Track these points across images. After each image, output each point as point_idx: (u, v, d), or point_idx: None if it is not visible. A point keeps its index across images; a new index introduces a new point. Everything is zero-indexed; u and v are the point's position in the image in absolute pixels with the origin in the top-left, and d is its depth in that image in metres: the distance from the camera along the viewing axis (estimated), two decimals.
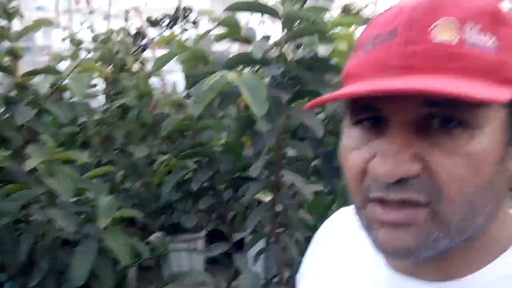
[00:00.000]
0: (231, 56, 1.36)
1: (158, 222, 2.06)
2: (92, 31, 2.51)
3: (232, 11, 1.34)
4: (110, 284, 1.25)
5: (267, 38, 1.44)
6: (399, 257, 0.39)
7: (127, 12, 4.76)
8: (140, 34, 3.26)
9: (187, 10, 3.50)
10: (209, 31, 1.48)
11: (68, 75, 1.54)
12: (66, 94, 1.84)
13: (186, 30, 3.50)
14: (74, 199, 1.37)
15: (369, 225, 0.40)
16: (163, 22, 3.66)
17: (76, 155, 1.35)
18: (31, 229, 1.38)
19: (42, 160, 1.25)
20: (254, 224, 1.17)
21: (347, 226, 0.52)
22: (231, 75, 1.11)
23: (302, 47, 1.34)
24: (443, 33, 0.36)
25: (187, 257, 2.13)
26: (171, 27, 3.70)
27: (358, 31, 1.44)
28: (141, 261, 1.56)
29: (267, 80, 1.28)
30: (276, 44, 1.30)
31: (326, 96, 0.38)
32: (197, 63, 1.48)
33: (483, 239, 0.41)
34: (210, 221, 2.11)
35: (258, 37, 1.40)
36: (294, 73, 1.28)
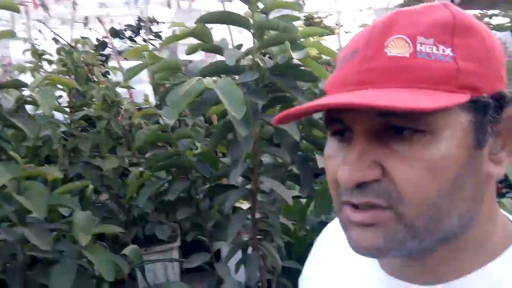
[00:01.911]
0: (204, 65, 1.35)
1: (130, 234, 2.01)
2: (56, 42, 2.43)
3: (203, 22, 1.34)
4: None
5: (239, 46, 1.45)
6: (370, 255, 0.41)
7: (86, 18, 4.64)
8: (103, 44, 3.18)
9: (151, 21, 3.46)
10: (177, 39, 1.47)
11: (34, 88, 1.48)
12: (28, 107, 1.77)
13: (146, 41, 3.45)
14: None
15: (345, 227, 0.42)
16: (126, 32, 3.60)
17: (49, 170, 1.30)
18: (0, 249, 1.32)
19: (12, 177, 1.20)
20: (235, 233, 1.17)
21: None
22: (206, 81, 1.12)
23: (274, 54, 1.36)
24: (397, 48, 0.38)
25: (162, 268, 2.10)
26: (133, 38, 3.65)
27: (326, 41, 1.48)
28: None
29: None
30: (248, 52, 1.31)
31: (289, 110, 0.40)
32: (169, 74, 1.47)
33: (468, 242, 0.42)
34: (185, 231, 2.09)
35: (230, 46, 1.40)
36: (268, 80, 1.30)
